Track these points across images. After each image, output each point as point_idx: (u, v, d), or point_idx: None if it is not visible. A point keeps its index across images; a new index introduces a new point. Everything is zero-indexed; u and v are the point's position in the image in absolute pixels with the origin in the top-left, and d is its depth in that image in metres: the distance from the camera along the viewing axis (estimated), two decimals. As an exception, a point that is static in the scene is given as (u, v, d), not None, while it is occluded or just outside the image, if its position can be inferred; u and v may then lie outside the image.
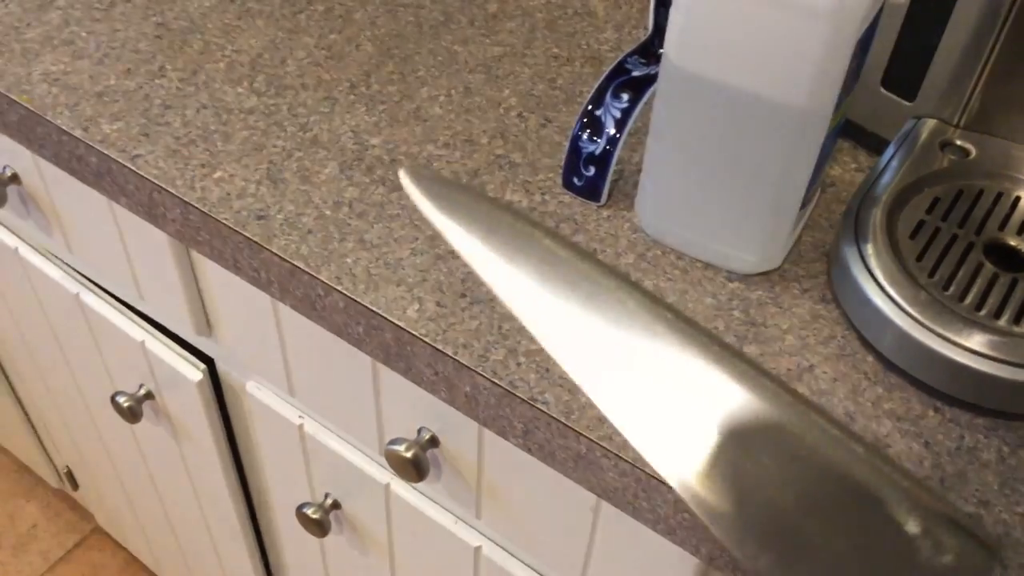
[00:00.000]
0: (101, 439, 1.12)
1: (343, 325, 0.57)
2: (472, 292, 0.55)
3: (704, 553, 0.49)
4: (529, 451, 0.53)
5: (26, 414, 1.33)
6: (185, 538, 1.16)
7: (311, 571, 0.97)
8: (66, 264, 0.89)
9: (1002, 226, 0.53)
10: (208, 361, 0.82)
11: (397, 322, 0.53)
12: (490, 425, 0.54)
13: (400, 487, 0.73)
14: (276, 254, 0.56)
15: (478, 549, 0.70)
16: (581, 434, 0.49)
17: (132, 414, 0.88)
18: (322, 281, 0.55)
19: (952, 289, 0.50)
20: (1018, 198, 0.55)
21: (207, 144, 0.63)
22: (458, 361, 0.52)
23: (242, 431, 0.88)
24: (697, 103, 0.50)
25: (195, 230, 0.60)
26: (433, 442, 0.65)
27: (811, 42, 0.45)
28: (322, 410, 0.74)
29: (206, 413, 0.84)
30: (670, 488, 0.47)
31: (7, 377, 1.25)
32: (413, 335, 0.53)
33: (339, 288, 0.55)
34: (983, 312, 0.49)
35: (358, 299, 0.54)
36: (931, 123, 0.58)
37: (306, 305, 0.58)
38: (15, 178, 0.80)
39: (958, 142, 0.57)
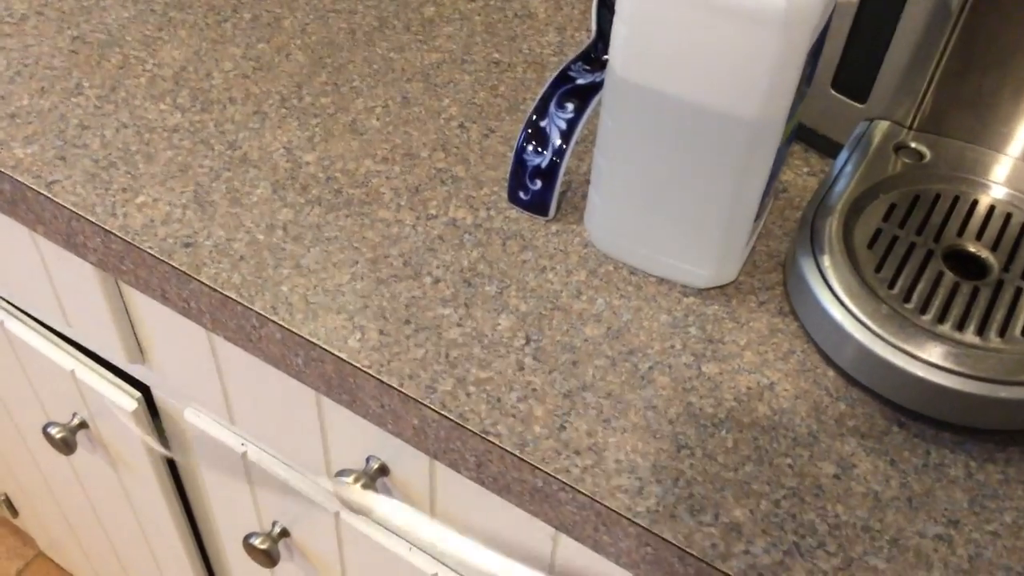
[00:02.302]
0: (38, 468, 1.07)
1: (281, 357, 0.54)
2: (417, 318, 0.52)
3: (668, 586, 0.47)
4: (483, 484, 0.50)
5: (-42, 441, 1.27)
6: (131, 566, 1.12)
7: (263, 597, 0.93)
8: (-12, 290, 0.84)
9: (960, 231, 0.52)
10: (144, 388, 0.78)
11: (338, 353, 0.50)
12: (441, 458, 0.51)
13: (351, 514, 0.70)
14: (205, 284, 0.53)
15: (434, 576, 0.68)
16: (536, 467, 0.47)
17: (66, 445, 0.84)
18: (256, 312, 0.52)
19: (913, 301, 0.48)
20: (975, 202, 0.53)
21: (128, 166, 0.59)
22: (404, 393, 0.49)
23: (183, 459, 0.84)
24: (644, 115, 0.48)
25: (118, 259, 0.57)
26: (383, 471, 0.62)
27: (762, 52, 0.42)
28: (265, 438, 0.70)
29: (143, 442, 0.80)
30: (631, 522, 0.45)
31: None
32: (355, 367, 0.50)
33: (274, 319, 0.52)
34: (946, 324, 0.47)
35: (295, 330, 0.51)
36: (884, 125, 0.57)
37: (241, 336, 0.55)
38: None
39: (912, 144, 0.56)
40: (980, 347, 0.46)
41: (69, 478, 1.01)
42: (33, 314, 0.82)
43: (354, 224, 0.57)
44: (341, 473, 0.61)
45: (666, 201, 0.51)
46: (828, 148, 0.61)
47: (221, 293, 0.53)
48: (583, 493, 0.46)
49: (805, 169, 0.62)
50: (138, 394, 0.78)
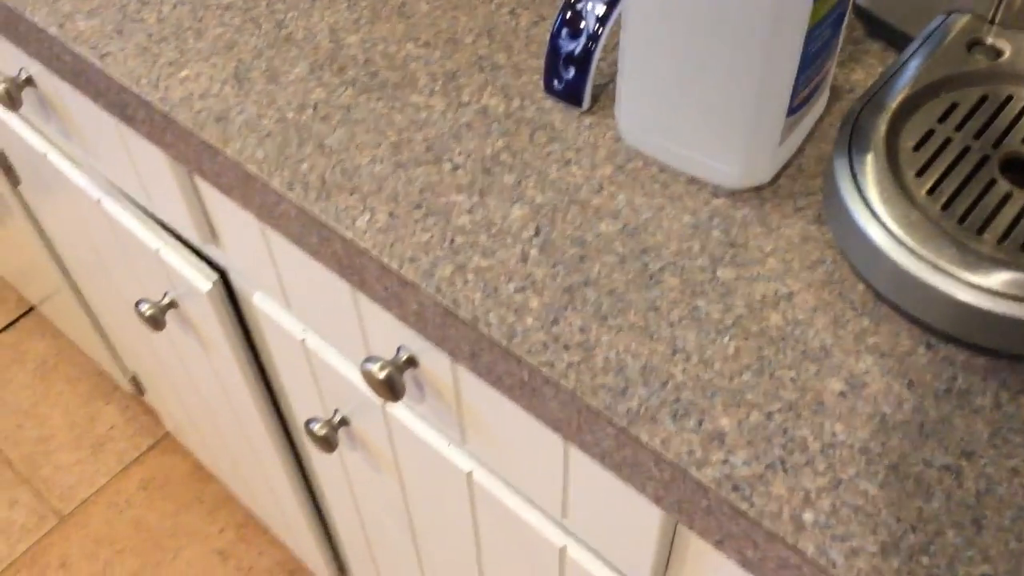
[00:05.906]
0: (150, 345, 1.14)
1: (299, 235, 0.54)
2: (429, 203, 0.51)
3: (651, 492, 0.45)
4: (479, 375, 0.49)
5: (96, 320, 1.36)
6: (232, 444, 1.18)
7: (338, 481, 0.97)
8: (93, 169, 0.88)
9: (1029, 138, 0.46)
10: (222, 272, 0.81)
11: (344, 233, 0.50)
12: (442, 345, 0.50)
13: (396, 407, 0.70)
14: (230, 158, 0.54)
15: (470, 474, 0.68)
16: (521, 359, 0.45)
17: (155, 322, 0.89)
18: (273, 188, 0.52)
19: (953, 208, 0.43)
20: (1055, 106, 0.47)
21: (179, 42, 0.60)
22: (402, 276, 0.49)
23: (261, 343, 0.87)
24: (663, -9, 0.44)
25: (161, 131, 0.58)
26: (412, 363, 0.62)
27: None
28: (316, 326, 0.72)
29: (219, 323, 0.83)
30: (609, 421, 0.43)
31: (76, 283, 1.29)
32: (359, 247, 0.50)
33: (289, 196, 0.52)
34: (985, 235, 0.42)
35: (307, 208, 0.51)
36: (963, 19, 0.50)
37: (264, 213, 0.55)
38: (30, 81, 0.80)
39: (990, 41, 0.49)
40: (1023, 263, 0.41)
41: (173, 356, 1.07)
42: (129, 193, 0.86)
43: (384, 107, 0.56)
44: (369, 360, 0.61)
45: (690, 90, 0.47)
46: (906, 45, 0.55)
47: (243, 168, 0.53)
48: (565, 388, 0.44)
49: (880, 68, 0.56)
50: (215, 276, 0.81)
